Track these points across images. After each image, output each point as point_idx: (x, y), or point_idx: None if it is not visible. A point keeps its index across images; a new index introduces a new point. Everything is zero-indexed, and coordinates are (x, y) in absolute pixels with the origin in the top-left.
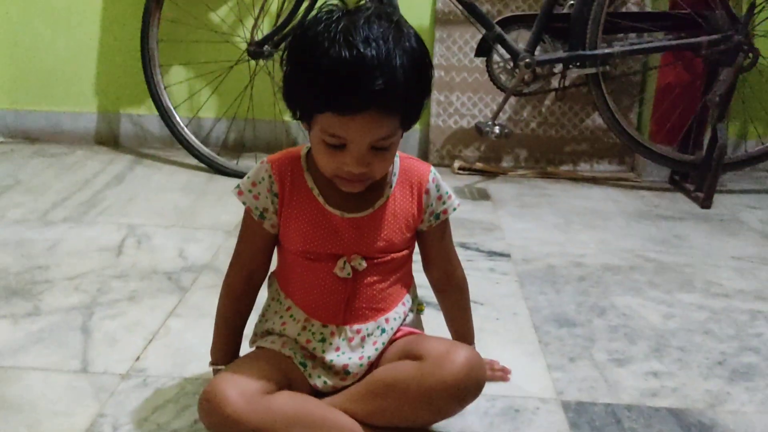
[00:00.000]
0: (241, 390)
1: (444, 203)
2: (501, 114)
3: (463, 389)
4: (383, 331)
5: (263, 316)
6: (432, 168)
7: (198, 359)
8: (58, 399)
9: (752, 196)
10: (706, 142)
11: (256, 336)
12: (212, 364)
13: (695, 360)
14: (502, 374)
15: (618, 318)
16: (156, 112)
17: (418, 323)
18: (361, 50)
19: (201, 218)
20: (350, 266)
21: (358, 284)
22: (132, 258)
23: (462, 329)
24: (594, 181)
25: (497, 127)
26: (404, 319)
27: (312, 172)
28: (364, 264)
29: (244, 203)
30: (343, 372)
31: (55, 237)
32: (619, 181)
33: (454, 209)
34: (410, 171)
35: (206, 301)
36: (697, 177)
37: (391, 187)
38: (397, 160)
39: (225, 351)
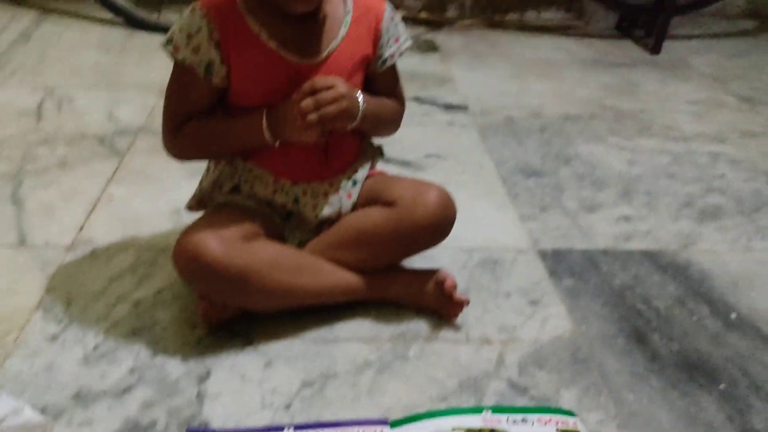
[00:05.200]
0: (220, 237)
1: (401, 44)
2: None
3: (437, 229)
4: (354, 183)
5: (215, 183)
6: (387, 3)
7: (151, 226)
8: None
9: (698, 42)
10: None
11: (208, 199)
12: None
13: (663, 203)
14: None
15: (583, 166)
16: None
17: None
18: None
19: (126, 78)
20: None
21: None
22: (54, 122)
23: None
24: (542, 30)
25: None
26: (371, 165)
27: (254, 15)
28: None
29: (182, 61)
30: (319, 226)
31: None
32: (567, 30)
33: (407, 47)
34: (365, 7)
35: (149, 165)
36: (647, 21)
37: (345, 25)
38: None
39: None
